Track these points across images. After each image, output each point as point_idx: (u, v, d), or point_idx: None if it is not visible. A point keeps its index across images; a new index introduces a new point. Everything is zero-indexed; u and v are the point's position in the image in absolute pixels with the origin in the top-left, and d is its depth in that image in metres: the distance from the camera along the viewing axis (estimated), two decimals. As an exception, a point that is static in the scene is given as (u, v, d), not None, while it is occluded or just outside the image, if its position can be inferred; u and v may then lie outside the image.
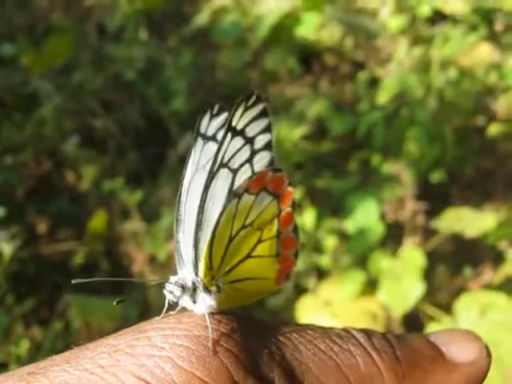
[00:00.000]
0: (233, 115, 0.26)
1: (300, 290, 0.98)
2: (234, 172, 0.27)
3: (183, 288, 0.26)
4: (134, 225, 1.09)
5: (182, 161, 0.29)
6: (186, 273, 0.26)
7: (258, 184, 0.26)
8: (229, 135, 0.26)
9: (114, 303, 0.25)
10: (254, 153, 0.28)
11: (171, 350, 0.21)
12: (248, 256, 0.27)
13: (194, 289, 0.26)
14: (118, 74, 1.40)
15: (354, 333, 0.24)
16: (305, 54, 1.57)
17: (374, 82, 1.40)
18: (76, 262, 1.07)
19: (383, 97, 1.27)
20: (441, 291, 1.09)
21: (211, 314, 0.24)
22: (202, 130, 0.29)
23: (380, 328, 0.86)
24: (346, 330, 0.24)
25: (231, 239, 0.26)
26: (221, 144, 0.26)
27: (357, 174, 1.15)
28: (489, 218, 0.95)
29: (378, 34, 1.46)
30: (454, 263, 1.18)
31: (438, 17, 1.50)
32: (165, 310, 0.26)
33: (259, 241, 0.27)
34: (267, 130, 0.28)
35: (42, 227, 1.20)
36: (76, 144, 1.19)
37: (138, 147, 1.30)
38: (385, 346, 0.24)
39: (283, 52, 1.47)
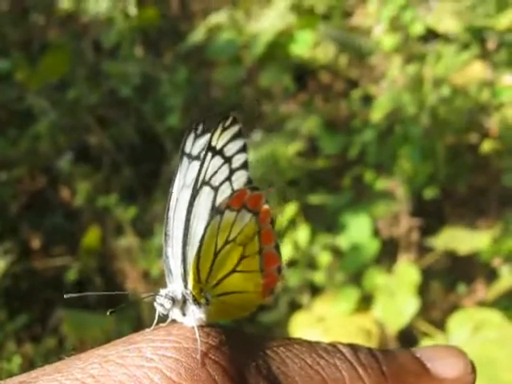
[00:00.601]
0: (212, 135, 0.27)
1: (294, 306, 0.98)
2: (216, 189, 0.28)
3: (173, 300, 0.26)
4: (128, 241, 1.09)
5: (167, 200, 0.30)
6: (175, 286, 0.27)
7: (238, 201, 0.27)
8: (209, 154, 0.27)
9: (108, 313, 0.26)
10: (232, 171, 0.28)
11: (160, 361, 0.21)
12: (233, 271, 0.28)
13: (184, 301, 0.27)
14: (114, 90, 1.40)
15: (341, 347, 0.24)
16: (299, 72, 1.58)
17: (367, 100, 1.41)
18: (69, 278, 1.06)
19: (377, 114, 1.28)
20: (435, 308, 1.09)
21: (200, 326, 0.25)
22: (187, 149, 0.30)
23: (374, 345, 0.86)
24: (332, 345, 0.24)
25: (216, 254, 0.27)
26: (202, 163, 0.27)
27: (350, 191, 1.15)
28: (483, 236, 0.96)
29: (372, 52, 1.47)
30: (448, 280, 1.18)
31: (430, 35, 1.52)
32: (155, 322, 0.26)
33: (242, 256, 0.28)
34: (243, 150, 0.29)
35: (35, 243, 1.20)
36: (70, 160, 1.19)
37: (133, 163, 1.30)
38: (371, 361, 0.24)
39: (278, 69, 1.48)
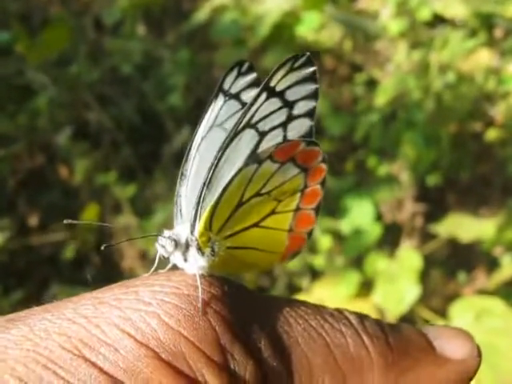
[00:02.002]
0: (273, 74, 0.24)
1: (292, 289, 0.97)
2: (262, 135, 0.25)
3: (176, 243, 0.25)
4: (126, 219, 1.08)
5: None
6: (181, 229, 0.25)
7: (286, 153, 0.25)
8: (264, 94, 0.24)
9: (102, 248, 0.25)
10: (291, 118, 0.25)
11: (159, 306, 0.20)
12: (255, 225, 0.25)
13: (187, 247, 0.25)
14: (115, 67, 1.38)
15: (347, 314, 0.23)
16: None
17: (372, 84, 1.40)
18: (66, 255, 1.05)
19: (381, 98, 1.27)
20: (434, 295, 1.09)
21: (202, 275, 0.23)
22: (226, 86, 0.27)
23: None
24: (338, 311, 0.23)
25: (240, 204, 0.25)
26: (252, 102, 0.24)
27: (353, 175, 1.14)
28: (487, 224, 0.95)
29: (378, 36, 1.45)
30: (448, 267, 1.17)
31: (437, 21, 1.50)
32: (155, 266, 0.25)
33: (273, 212, 0.25)
34: (312, 96, 0.25)
35: (33, 220, 1.19)
36: (69, 136, 1.18)
37: (133, 142, 1.28)
38: (377, 331, 0.23)
39: (282, 52, 1.46)
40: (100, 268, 1.05)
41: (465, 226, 0.95)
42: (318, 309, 0.23)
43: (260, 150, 0.25)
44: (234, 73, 0.27)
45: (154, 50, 1.47)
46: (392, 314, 0.87)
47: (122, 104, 1.36)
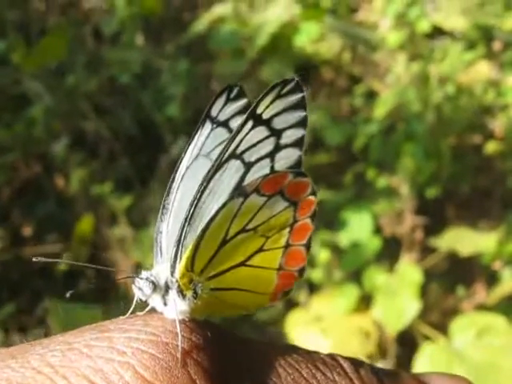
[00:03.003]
0: (260, 101, 0.23)
1: (290, 304, 0.96)
2: (248, 166, 0.23)
3: (154, 286, 0.23)
4: (122, 231, 1.07)
5: (174, 168, 0.26)
6: (161, 269, 0.23)
7: (274, 185, 0.23)
8: (250, 123, 0.23)
9: (67, 295, 0.23)
10: (278, 148, 0.24)
11: (134, 356, 0.18)
12: (242, 264, 0.23)
13: (167, 289, 0.23)
14: (113, 77, 1.38)
15: (341, 361, 0.21)
16: (302, 67, 1.56)
17: (371, 96, 1.39)
18: (60, 268, 1.04)
19: (380, 110, 1.26)
20: (433, 310, 1.07)
21: (183, 320, 0.21)
22: (214, 112, 0.25)
23: (372, 346, 0.84)
24: (331, 357, 0.21)
25: (225, 242, 0.23)
26: (237, 131, 0.23)
27: (352, 187, 1.13)
28: (487, 238, 0.93)
29: (377, 48, 1.45)
30: (447, 282, 1.16)
31: (437, 33, 1.50)
32: (132, 308, 0.23)
33: (260, 249, 0.23)
34: (301, 124, 0.24)
35: (27, 230, 1.17)
36: (66, 146, 1.17)
37: (130, 153, 1.27)
38: (373, 380, 0.21)
39: (280, 63, 1.46)
40: (94, 281, 1.04)
41: (465, 239, 0.94)
42: (310, 355, 0.21)
43: (246, 182, 0.23)
44: (223, 98, 0.25)
45: (152, 60, 1.47)
46: (391, 330, 0.86)
47: (120, 114, 1.35)
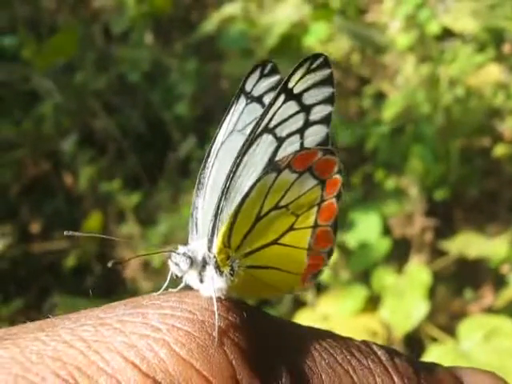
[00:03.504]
0: (291, 75, 0.23)
1: (298, 303, 0.95)
2: (280, 141, 0.23)
3: (191, 261, 0.22)
4: (130, 228, 1.07)
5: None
6: (198, 245, 0.23)
7: (304, 162, 0.23)
8: (281, 97, 0.22)
9: (109, 265, 0.22)
10: (307, 124, 0.23)
11: (169, 332, 0.18)
12: (275, 242, 0.23)
13: (204, 265, 0.22)
14: (122, 75, 1.38)
15: (376, 349, 0.21)
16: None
17: (380, 98, 1.39)
18: (68, 264, 1.04)
19: (389, 112, 1.26)
20: (441, 312, 1.07)
21: (219, 298, 0.21)
22: (248, 87, 0.25)
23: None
24: (366, 344, 0.21)
25: (259, 218, 0.22)
26: (270, 105, 0.22)
27: (360, 188, 1.13)
28: (497, 242, 0.93)
29: (387, 49, 1.44)
30: (455, 285, 1.15)
31: (446, 35, 1.49)
32: (166, 284, 0.22)
33: (291, 228, 0.23)
34: (328, 100, 0.24)
35: (35, 227, 1.18)
36: (74, 143, 1.17)
37: (138, 151, 1.28)
38: (408, 370, 0.21)
39: (289, 63, 1.46)
40: (101, 277, 1.04)
41: (474, 243, 0.94)
42: (345, 341, 0.21)
43: (278, 157, 0.23)
44: (257, 74, 0.25)
45: (161, 59, 1.47)
46: (399, 331, 0.86)
47: (128, 112, 1.35)
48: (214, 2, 1.86)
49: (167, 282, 0.22)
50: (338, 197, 0.24)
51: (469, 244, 0.94)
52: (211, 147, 0.24)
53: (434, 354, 0.76)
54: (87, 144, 1.24)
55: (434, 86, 1.32)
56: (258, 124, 0.23)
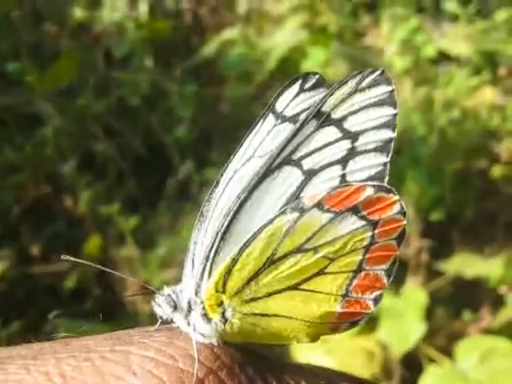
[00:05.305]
0: (329, 95, 0.19)
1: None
2: (309, 174, 0.19)
3: (175, 305, 0.20)
4: (129, 251, 1.07)
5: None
6: (187, 286, 0.20)
7: (343, 200, 0.19)
8: (313, 122, 0.19)
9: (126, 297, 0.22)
10: (354, 153, 0.20)
11: (143, 379, 0.17)
12: (293, 287, 0.20)
13: (190, 310, 0.20)
14: (122, 99, 1.40)
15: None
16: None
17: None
18: (67, 286, 1.04)
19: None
20: (439, 333, 1.07)
21: (210, 345, 0.19)
22: (280, 105, 0.21)
23: (377, 367, 0.84)
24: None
25: (271, 261, 0.19)
26: (296, 131, 0.19)
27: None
28: (494, 263, 0.93)
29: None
30: (453, 306, 1.16)
31: (442, 58, 1.52)
32: (158, 325, 0.21)
33: (321, 272, 0.20)
34: (385, 125, 0.20)
35: (35, 249, 1.18)
36: (75, 166, 1.18)
37: (138, 174, 1.29)
38: None
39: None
40: (100, 299, 1.04)
41: (470, 264, 0.94)
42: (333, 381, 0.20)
43: (305, 193, 0.19)
44: (294, 88, 0.21)
45: (161, 82, 1.49)
46: (396, 352, 0.86)
47: (128, 136, 1.37)
48: (214, 26, 1.88)
49: (158, 323, 0.21)
50: (399, 240, 0.20)
51: (465, 264, 0.95)
52: (221, 175, 0.21)
53: (431, 375, 0.76)
54: (87, 167, 1.25)
55: (429, 108, 1.33)
56: (276, 153, 0.19)
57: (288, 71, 1.42)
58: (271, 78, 1.47)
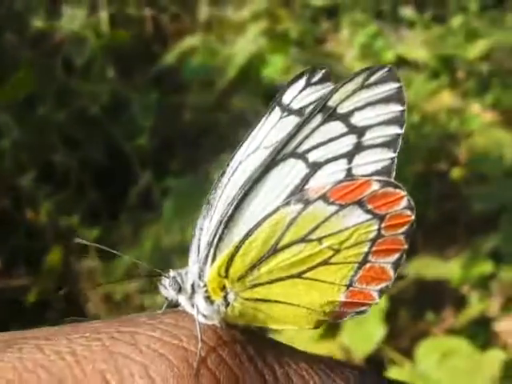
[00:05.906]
0: (334, 91, 0.19)
1: (262, 331, 0.96)
2: (314, 167, 0.20)
3: (180, 287, 0.21)
4: (91, 263, 1.06)
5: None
6: (192, 269, 0.21)
7: (348, 194, 0.20)
8: (318, 117, 0.20)
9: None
10: (360, 147, 0.20)
11: (150, 358, 0.18)
12: (297, 276, 0.20)
13: (193, 292, 0.21)
14: (82, 109, 1.38)
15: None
16: (272, 97, 1.58)
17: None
18: (29, 300, 1.03)
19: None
20: (403, 335, 1.08)
21: (213, 326, 0.20)
22: (286, 98, 0.21)
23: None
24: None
25: (275, 250, 0.20)
26: (301, 125, 0.19)
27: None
28: (454, 263, 0.95)
29: (343, 77, 1.48)
30: (416, 307, 1.17)
31: (401, 63, 1.54)
32: (165, 306, 0.22)
33: (325, 262, 0.20)
34: (393, 121, 0.20)
35: (-5, 263, 1.16)
36: (34, 178, 1.16)
37: (99, 184, 1.27)
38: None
39: (250, 93, 1.48)
40: (62, 312, 1.03)
41: (431, 265, 0.96)
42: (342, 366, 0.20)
43: (309, 186, 0.20)
44: (301, 83, 0.21)
45: (122, 91, 1.48)
46: (359, 354, 0.87)
47: (89, 145, 1.35)
48: (175, 33, 1.88)
49: (166, 304, 0.22)
50: (407, 234, 0.20)
51: (426, 266, 0.96)
52: (228, 164, 0.21)
53: (392, 376, 0.77)
54: (48, 178, 1.23)
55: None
56: (281, 145, 0.20)
57: (249, 79, 1.43)
58: (232, 86, 1.47)
